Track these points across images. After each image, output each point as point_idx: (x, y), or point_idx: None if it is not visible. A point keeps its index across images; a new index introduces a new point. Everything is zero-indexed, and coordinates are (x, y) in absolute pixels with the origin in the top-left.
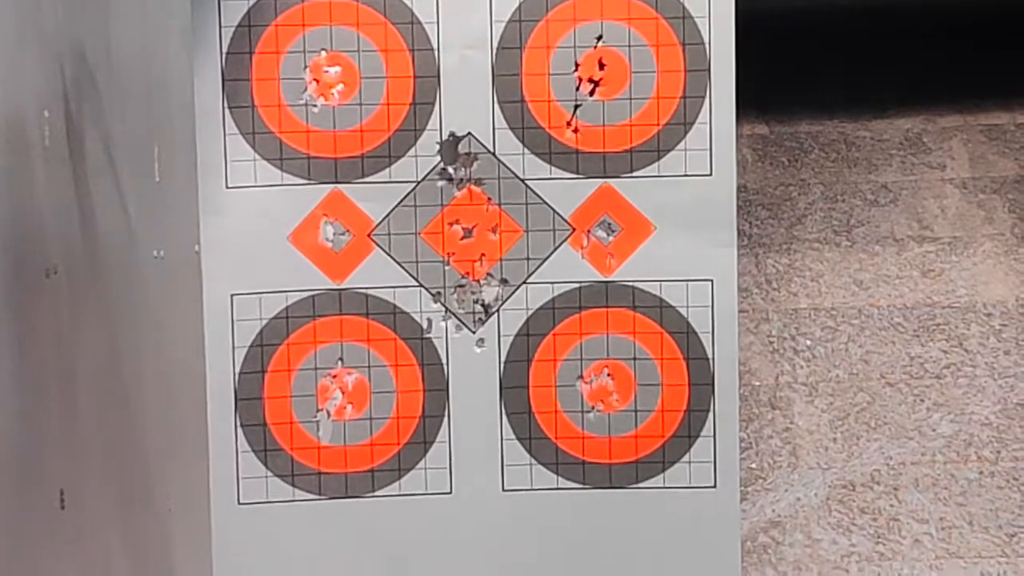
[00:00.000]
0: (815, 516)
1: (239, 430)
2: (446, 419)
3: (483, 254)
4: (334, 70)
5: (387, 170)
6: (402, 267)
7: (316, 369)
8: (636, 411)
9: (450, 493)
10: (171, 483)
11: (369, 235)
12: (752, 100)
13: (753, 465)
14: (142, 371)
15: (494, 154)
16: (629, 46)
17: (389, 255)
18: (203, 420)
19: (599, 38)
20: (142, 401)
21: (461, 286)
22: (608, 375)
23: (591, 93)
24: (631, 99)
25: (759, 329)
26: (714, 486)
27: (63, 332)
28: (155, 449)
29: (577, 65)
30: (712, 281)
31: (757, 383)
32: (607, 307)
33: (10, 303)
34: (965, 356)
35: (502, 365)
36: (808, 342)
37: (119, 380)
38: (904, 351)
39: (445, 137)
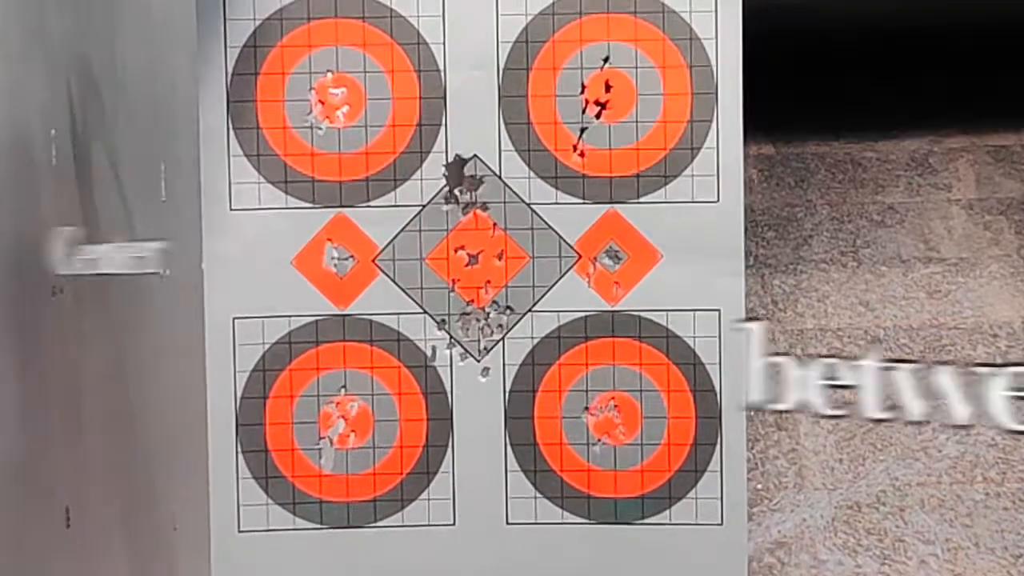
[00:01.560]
0: (821, 537)
1: (240, 456)
2: (450, 449)
3: (488, 281)
4: (339, 91)
5: (392, 193)
6: (407, 293)
7: (319, 396)
8: (642, 444)
9: (453, 525)
10: (176, 502)
11: (374, 260)
12: (759, 121)
13: (759, 486)
14: (147, 390)
15: (500, 177)
16: (636, 67)
17: (394, 281)
18: (207, 439)
19: (606, 59)
20: (147, 420)
21: (466, 313)
22: (614, 407)
23: (597, 116)
24: (637, 122)
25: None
26: (721, 523)
27: (69, 351)
28: (160, 468)
29: (583, 87)
30: (720, 311)
31: None
32: (613, 337)
33: (16, 321)
34: None
35: (507, 395)
36: None
37: (125, 398)
38: None
39: (451, 159)
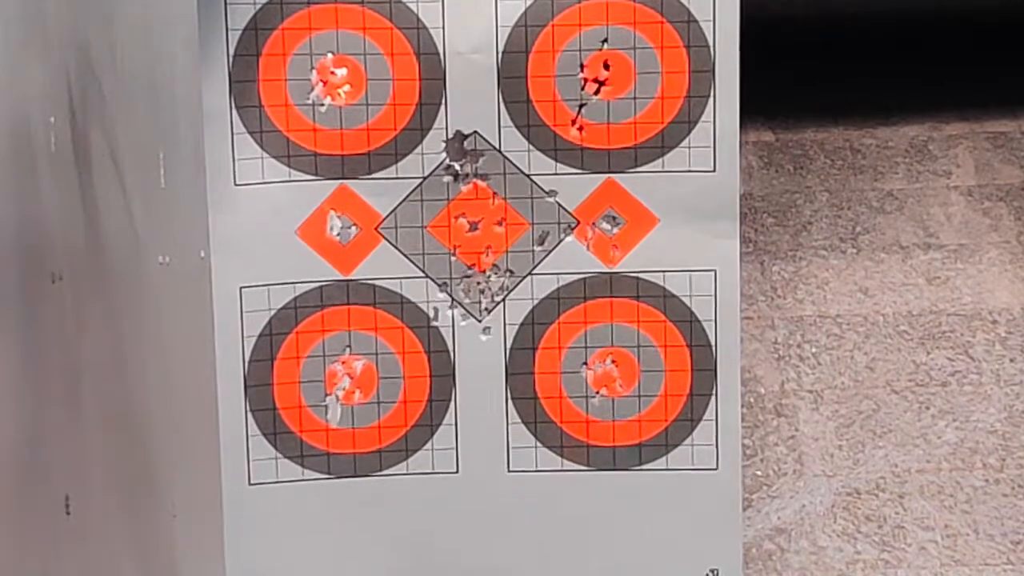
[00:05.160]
0: (820, 523)
1: (249, 415)
2: (452, 403)
3: (489, 246)
4: (340, 72)
5: (393, 167)
6: (409, 259)
7: (324, 356)
8: (640, 396)
9: (456, 472)
10: (176, 489)
11: (376, 228)
12: (758, 107)
13: (758, 472)
14: (147, 377)
15: (500, 151)
16: (634, 48)
17: (396, 247)
18: (208, 425)
19: (604, 41)
20: (147, 407)
21: (467, 276)
22: (612, 362)
23: (596, 93)
24: (635, 99)
25: (764, 336)
26: (716, 468)
27: (68, 338)
28: (160, 455)
29: (582, 66)
30: (715, 271)
31: (762, 390)
32: (611, 297)
33: (16, 309)
34: (971, 363)
35: (508, 352)
36: (813, 349)
37: (124, 386)
38: (909, 358)
39: (451, 135)
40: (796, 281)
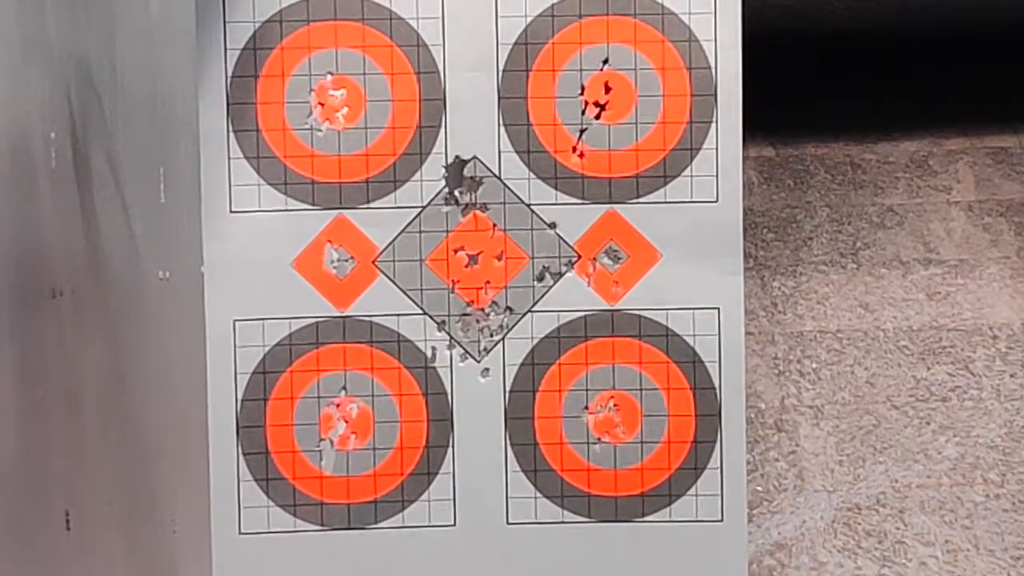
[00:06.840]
0: (821, 539)
1: (241, 458)
2: (450, 450)
3: (488, 281)
4: (339, 93)
5: (392, 195)
6: (407, 295)
7: (319, 397)
8: (642, 442)
9: (454, 525)
10: (176, 504)
11: (374, 262)
12: (758, 122)
13: (759, 488)
14: (147, 392)
15: (499, 178)
16: (635, 69)
17: (394, 282)
18: (207, 442)
19: (605, 61)
20: (147, 422)
21: (466, 314)
22: (614, 406)
23: (597, 117)
24: (637, 124)
25: (765, 352)
26: (721, 520)
27: (68, 353)
28: (160, 470)
29: (583, 88)
30: (719, 309)
31: (763, 406)
32: (613, 336)
33: (15, 324)
34: (971, 379)
35: (507, 395)
36: (814, 365)
37: (124, 401)
38: (910, 374)
39: (451, 160)
40: (796, 296)
